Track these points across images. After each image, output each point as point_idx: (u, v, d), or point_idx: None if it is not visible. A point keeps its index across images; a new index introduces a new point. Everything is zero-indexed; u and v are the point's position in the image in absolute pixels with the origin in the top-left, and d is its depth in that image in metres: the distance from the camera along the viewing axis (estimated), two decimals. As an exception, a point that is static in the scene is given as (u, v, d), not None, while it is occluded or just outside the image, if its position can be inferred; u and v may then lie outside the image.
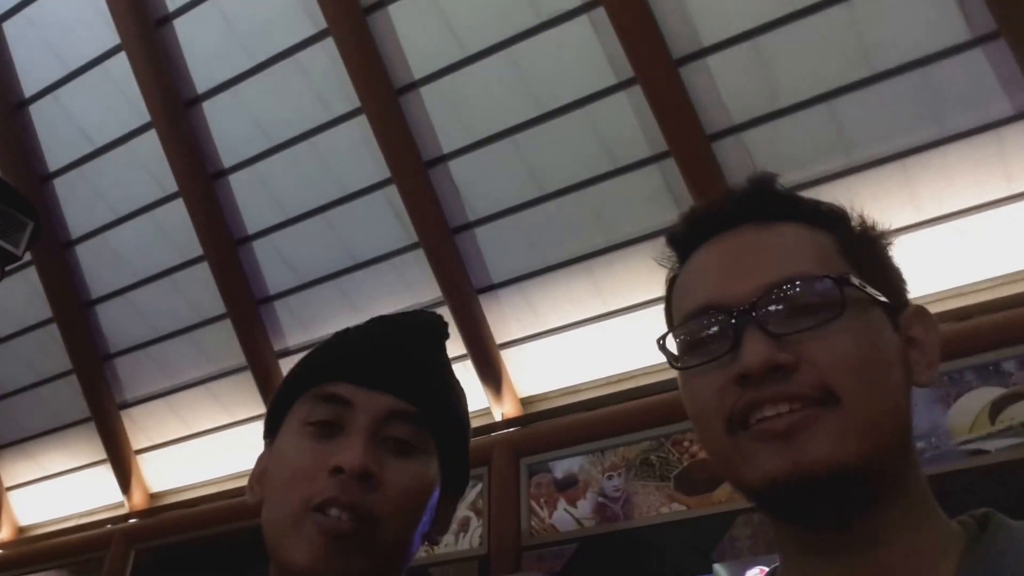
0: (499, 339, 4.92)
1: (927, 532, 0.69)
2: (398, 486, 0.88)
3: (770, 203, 0.78)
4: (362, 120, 4.86)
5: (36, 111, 5.67)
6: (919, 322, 0.76)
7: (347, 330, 1.02)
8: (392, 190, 4.91)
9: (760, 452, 0.67)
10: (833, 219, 0.78)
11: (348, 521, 0.85)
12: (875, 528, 0.68)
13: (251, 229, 5.37)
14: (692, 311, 0.75)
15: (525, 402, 4.95)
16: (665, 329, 0.80)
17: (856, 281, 0.71)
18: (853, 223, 0.79)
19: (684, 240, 0.82)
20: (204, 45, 5.13)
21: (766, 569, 3.68)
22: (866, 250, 0.77)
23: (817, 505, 0.67)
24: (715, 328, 0.72)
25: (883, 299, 0.73)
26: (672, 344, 0.77)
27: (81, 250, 5.87)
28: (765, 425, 0.67)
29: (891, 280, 0.77)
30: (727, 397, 0.69)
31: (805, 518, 0.69)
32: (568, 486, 4.48)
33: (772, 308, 0.70)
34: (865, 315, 0.71)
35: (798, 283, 0.70)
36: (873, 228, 0.80)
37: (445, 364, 1.01)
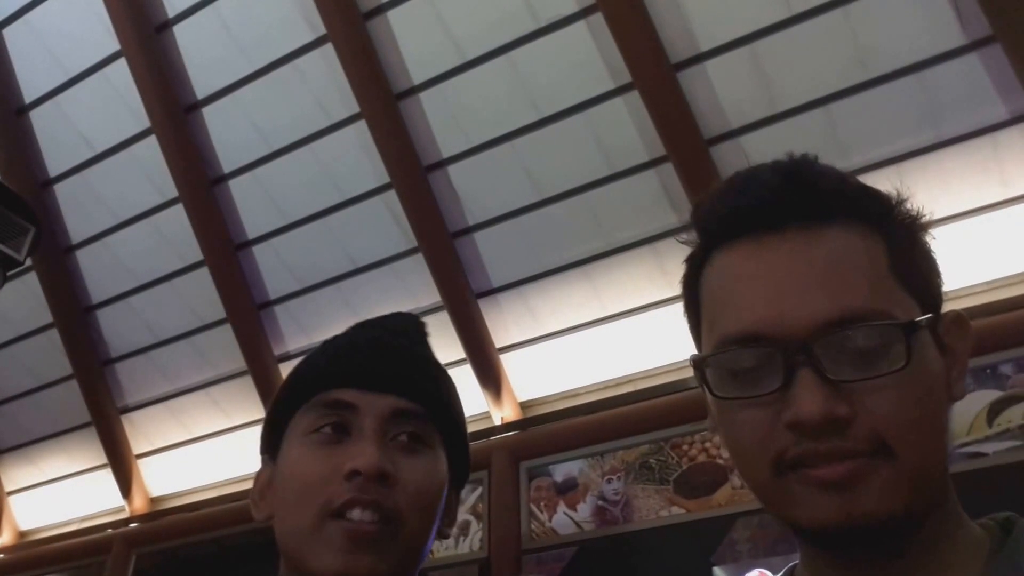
0: (498, 343, 4.93)
1: (955, 540, 0.69)
2: (414, 483, 0.89)
3: (816, 200, 0.71)
4: (361, 125, 4.88)
5: (36, 117, 5.68)
6: (956, 331, 0.73)
7: (335, 338, 1.03)
8: (392, 195, 4.93)
9: (811, 498, 0.65)
10: (881, 212, 0.73)
11: (371, 522, 0.85)
12: (907, 543, 0.68)
13: (251, 234, 5.39)
14: (735, 336, 0.68)
15: (524, 406, 4.96)
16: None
17: (922, 322, 0.67)
18: (897, 212, 0.74)
19: (713, 227, 0.75)
20: (204, 51, 5.15)
21: (767, 573, 3.63)
22: (913, 254, 0.73)
23: (861, 544, 0.67)
24: (761, 360, 0.67)
25: (931, 317, 0.69)
26: (708, 369, 0.71)
27: (81, 255, 5.88)
28: (819, 473, 0.64)
29: (933, 286, 0.73)
30: (775, 439, 0.66)
31: (847, 553, 0.69)
32: (568, 489, 4.50)
33: (828, 347, 0.65)
34: (921, 353, 0.66)
35: (858, 323, 0.65)
36: (916, 218, 0.75)
37: (435, 360, 1.03)
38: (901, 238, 0.72)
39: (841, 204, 0.71)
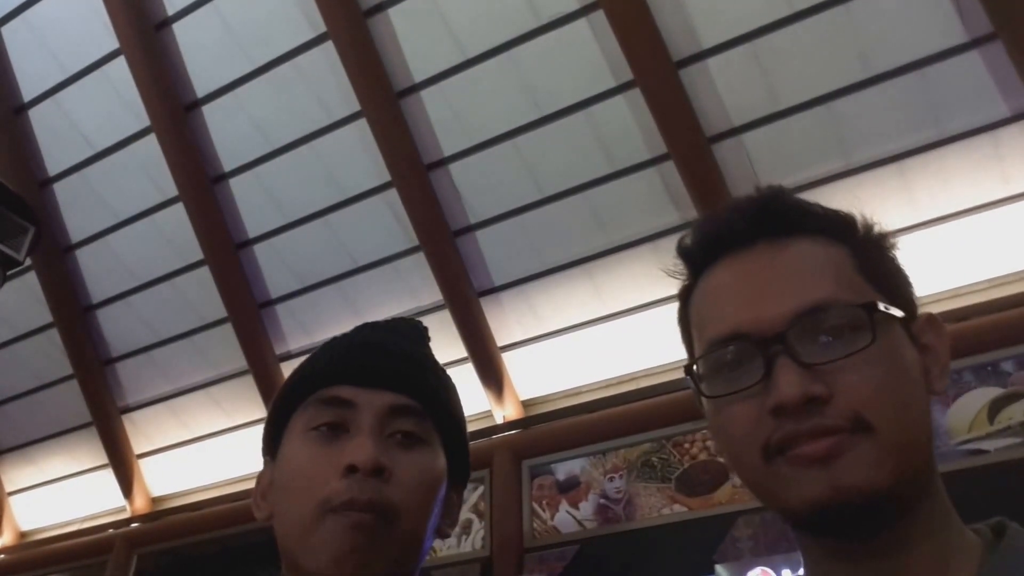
0: (500, 342, 4.93)
1: (946, 537, 0.72)
2: (411, 478, 0.90)
3: (782, 218, 0.78)
4: (362, 123, 4.87)
5: (36, 115, 5.67)
6: (931, 330, 0.78)
7: (335, 338, 1.04)
8: (393, 193, 4.92)
9: (800, 478, 0.68)
10: (844, 228, 0.79)
11: (369, 515, 0.86)
12: (899, 535, 0.70)
13: (252, 233, 5.38)
14: (717, 339, 0.75)
15: (526, 404, 4.96)
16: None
17: (882, 306, 0.72)
18: (862, 230, 0.80)
19: (696, 255, 0.82)
20: (204, 49, 5.14)
21: (769, 570, 3.65)
22: (879, 260, 0.78)
23: (852, 524, 0.69)
24: (743, 357, 0.73)
25: (902, 314, 0.74)
26: (700, 375, 0.77)
27: (81, 254, 5.88)
28: (803, 450, 0.68)
29: (903, 289, 0.78)
30: (762, 427, 0.70)
31: (838, 535, 0.71)
32: (570, 488, 4.50)
33: (801, 336, 0.70)
34: (890, 337, 0.72)
35: (826, 310, 0.71)
36: (881, 234, 0.81)
37: (434, 360, 1.04)
38: (865, 248, 0.78)
39: (805, 221, 0.79)
